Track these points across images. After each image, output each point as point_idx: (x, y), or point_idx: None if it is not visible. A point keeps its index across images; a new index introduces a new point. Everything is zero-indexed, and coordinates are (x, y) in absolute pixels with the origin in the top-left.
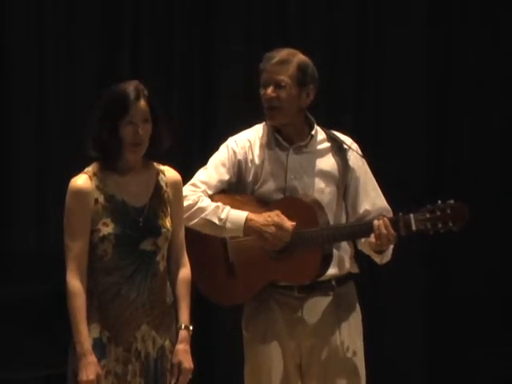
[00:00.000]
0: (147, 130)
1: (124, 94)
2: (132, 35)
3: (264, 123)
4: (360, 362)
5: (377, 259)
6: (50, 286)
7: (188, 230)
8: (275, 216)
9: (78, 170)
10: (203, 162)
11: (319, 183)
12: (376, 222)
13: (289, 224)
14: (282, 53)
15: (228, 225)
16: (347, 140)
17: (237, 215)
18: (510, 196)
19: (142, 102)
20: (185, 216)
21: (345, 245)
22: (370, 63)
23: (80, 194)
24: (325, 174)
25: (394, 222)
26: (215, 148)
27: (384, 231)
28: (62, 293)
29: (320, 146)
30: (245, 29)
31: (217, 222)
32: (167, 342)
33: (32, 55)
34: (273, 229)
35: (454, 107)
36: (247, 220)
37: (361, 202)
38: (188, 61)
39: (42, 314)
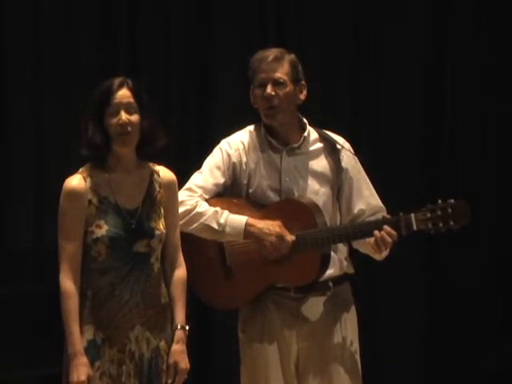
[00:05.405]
0: (133, 120)
1: (105, 86)
2: (129, 35)
3: (255, 125)
4: (356, 362)
5: (376, 256)
6: (46, 285)
7: (184, 233)
8: (277, 226)
9: (75, 170)
10: (200, 162)
11: (314, 185)
12: (377, 233)
13: (289, 238)
14: (274, 51)
15: (227, 229)
16: (339, 139)
17: (236, 220)
18: (510, 195)
19: (124, 91)
20: (183, 221)
21: (341, 245)
22: (367, 62)
23: (74, 194)
24: (319, 175)
25: (394, 223)
26: (212, 149)
27: (388, 240)
28: (59, 293)
29: (313, 147)
30: (242, 29)
31: (216, 226)
32: (162, 343)
33: (28, 55)
34: (273, 238)
35: (452, 106)
36: (247, 225)
37: (355, 202)
38: (185, 61)
39: (41, 313)
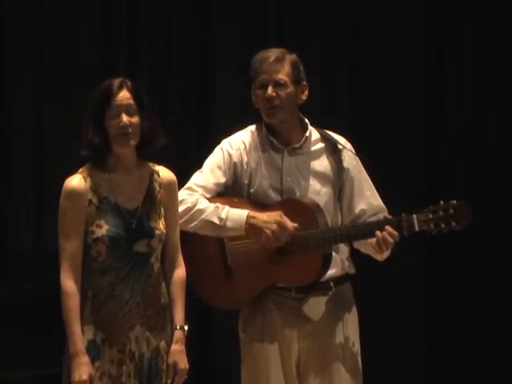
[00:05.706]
0: (134, 122)
1: (105, 87)
2: (129, 35)
3: (257, 124)
4: (357, 362)
5: (378, 257)
6: (46, 285)
7: (184, 233)
8: (278, 215)
9: (75, 170)
10: (200, 162)
11: (315, 185)
12: (379, 234)
13: (290, 224)
14: (275, 52)
15: (228, 224)
16: (341, 139)
17: (237, 213)
18: (510, 195)
19: (124, 93)
20: (184, 219)
21: (342, 246)
22: (367, 62)
23: (74, 194)
24: (320, 176)
25: (396, 223)
26: (212, 149)
27: (390, 240)
28: (59, 293)
29: (314, 147)
30: (242, 29)
31: (217, 221)
32: (162, 343)
33: (28, 55)
34: (274, 226)
35: (452, 106)
36: (248, 217)
37: (357, 202)
38: (185, 61)
39: (41, 313)
